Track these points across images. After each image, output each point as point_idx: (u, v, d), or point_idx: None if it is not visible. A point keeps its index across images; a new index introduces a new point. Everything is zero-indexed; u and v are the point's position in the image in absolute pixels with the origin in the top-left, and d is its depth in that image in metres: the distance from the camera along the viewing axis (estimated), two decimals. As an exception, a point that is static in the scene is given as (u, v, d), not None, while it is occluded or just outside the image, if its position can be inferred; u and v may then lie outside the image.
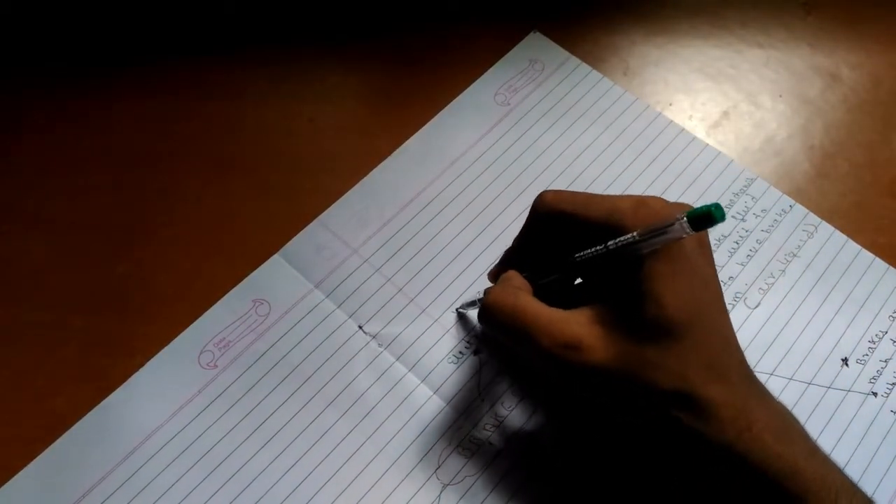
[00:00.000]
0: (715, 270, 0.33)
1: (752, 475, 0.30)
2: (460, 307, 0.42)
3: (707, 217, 0.28)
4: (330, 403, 0.39)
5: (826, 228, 0.46)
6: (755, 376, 0.32)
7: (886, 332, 0.43)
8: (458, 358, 0.41)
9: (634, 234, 0.31)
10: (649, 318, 0.30)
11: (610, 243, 0.32)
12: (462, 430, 0.39)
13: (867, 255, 0.45)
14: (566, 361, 0.32)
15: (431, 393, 0.40)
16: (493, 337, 0.41)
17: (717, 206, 0.28)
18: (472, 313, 0.42)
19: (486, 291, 0.37)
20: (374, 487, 0.38)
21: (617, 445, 0.39)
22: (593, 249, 0.33)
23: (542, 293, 0.35)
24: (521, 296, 0.34)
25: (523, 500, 0.38)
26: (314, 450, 0.38)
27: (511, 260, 0.39)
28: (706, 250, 0.33)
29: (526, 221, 0.37)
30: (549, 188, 0.45)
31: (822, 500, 0.29)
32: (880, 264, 0.45)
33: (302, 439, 0.38)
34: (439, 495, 0.38)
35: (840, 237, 0.46)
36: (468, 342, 0.41)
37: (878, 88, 0.53)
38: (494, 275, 0.39)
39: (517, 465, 0.38)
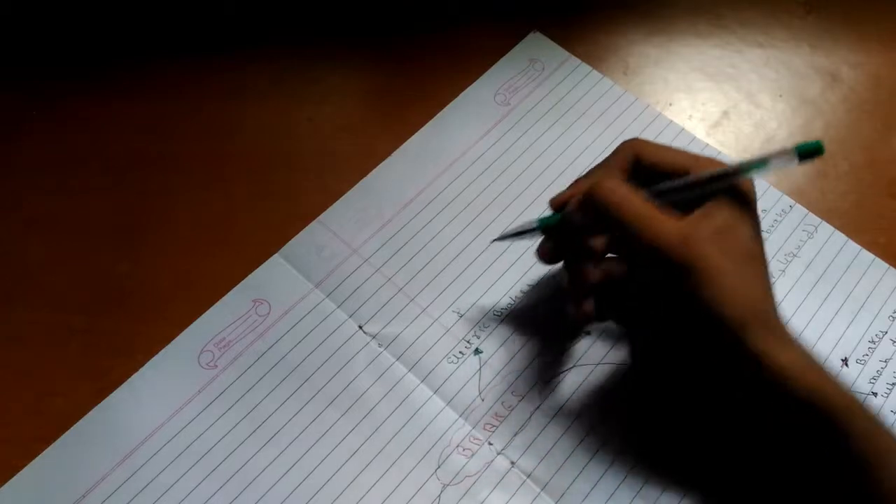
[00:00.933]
0: None
1: (800, 402, 0.31)
2: (507, 233, 0.40)
3: (816, 150, 0.32)
4: (330, 403, 0.39)
5: (826, 229, 0.46)
6: None
7: (886, 333, 0.43)
8: (458, 358, 0.41)
9: (738, 163, 0.33)
10: (745, 242, 0.33)
11: (710, 172, 0.34)
12: (462, 430, 0.39)
13: (867, 255, 0.45)
14: (678, 256, 0.32)
15: (431, 393, 0.40)
16: (580, 224, 0.37)
17: (819, 141, 0.32)
18: (508, 243, 0.43)
19: (542, 221, 0.38)
20: (374, 487, 0.38)
21: (617, 447, 0.39)
22: (681, 180, 0.35)
23: None
24: (629, 189, 0.34)
25: (523, 500, 0.38)
26: (314, 450, 0.38)
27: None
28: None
29: (606, 160, 0.37)
30: (558, 191, 0.44)
31: (864, 420, 0.31)
32: (880, 264, 0.45)
33: (302, 439, 0.38)
34: (439, 495, 0.38)
35: (840, 237, 0.46)
36: (468, 342, 0.41)
37: (878, 88, 0.53)
38: (559, 202, 0.38)
39: (517, 465, 0.38)
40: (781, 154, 0.33)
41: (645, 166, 0.36)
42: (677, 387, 0.39)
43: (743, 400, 0.34)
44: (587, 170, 0.38)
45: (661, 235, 0.32)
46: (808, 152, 0.32)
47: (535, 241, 0.39)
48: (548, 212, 0.38)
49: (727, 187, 0.34)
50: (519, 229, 0.40)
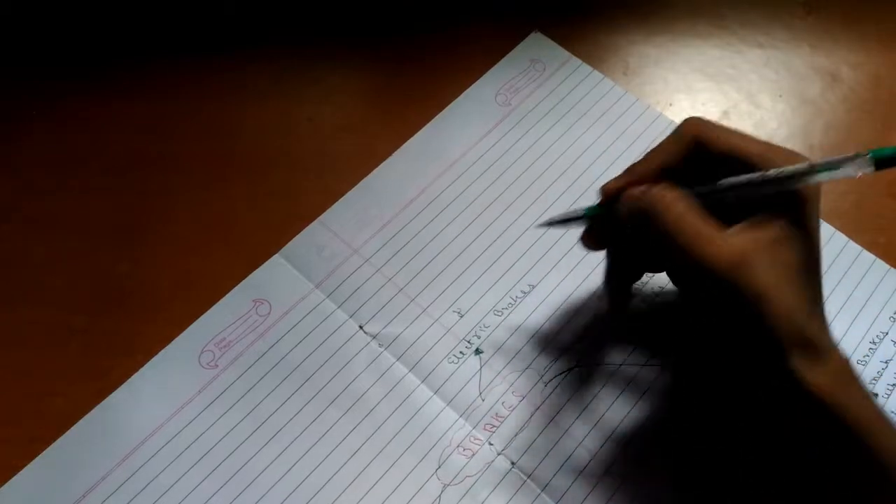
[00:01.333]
0: None
1: (850, 432, 0.30)
2: (551, 220, 0.39)
3: (894, 158, 0.28)
4: (330, 403, 0.39)
5: (826, 230, 0.46)
6: None
7: (887, 334, 0.43)
8: (458, 358, 0.41)
9: (809, 163, 0.30)
10: (802, 257, 0.31)
11: (772, 171, 0.31)
12: (462, 431, 0.39)
13: (868, 256, 0.45)
14: (727, 281, 0.30)
15: (432, 393, 0.40)
16: (628, 226, 0.35)
17: None
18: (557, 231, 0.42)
19: (590, 210, 0.36)
20: (375, 487, 0.37)
21: (619, 446, 0.39)
22: (751, 176, 0.32)
23: None
24: (687, 205, 0.32)
25: (523, 500, 0.38)
26: (314, 450, 0.38)
27: (643, 176, 0.35)
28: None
29: (665, 142, 0.35)
30: (559, 191, 0.45)
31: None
32: (881, 265, 0.45)
33: (302, 439, 0.38)
34: (439, 495, 0.38)
35: (841, 238, 0.46)
36: (469, 342, 0.41)
37: (878, 88, 0.53)
38: (613, 190, 0.35)
39: (517, 466, 0.38)
40: (855, 159, 0.30)
41: (708, 152, 0.33)
42: (700, 389, 0.39)
43: (772, 414, 0.33)
44: (644, 154, 0.36)
45: (712, 256, 0.30)
46: (886, 160, 0.29)
47: (535, 238, 0.39)
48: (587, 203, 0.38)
49: (791, 190, 0.32)
50: (565, 216, 0.39)
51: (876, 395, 0.41)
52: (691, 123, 0.34)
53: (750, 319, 0.31)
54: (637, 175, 0.35)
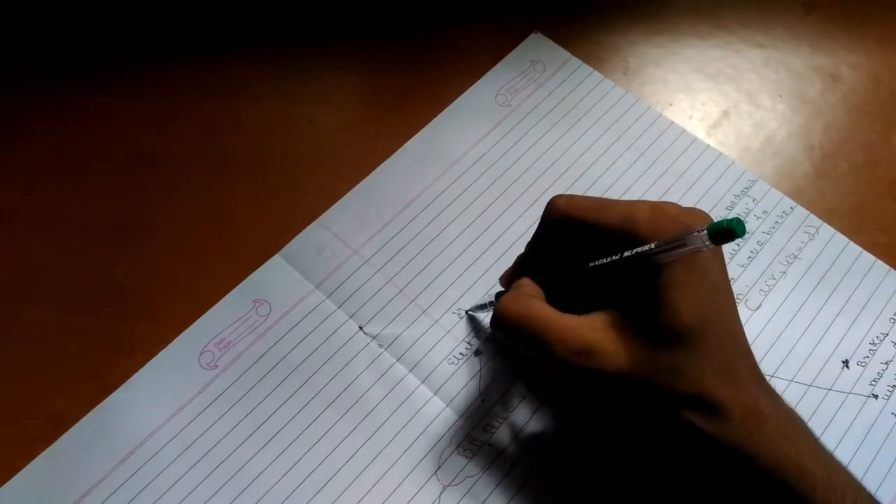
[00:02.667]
0: (727, 276, 0.33)
1: (761, 474, 0.30)
2: (470, 309, 0.42)
3: (728, 232, 0.27)
4: (330, 404, 0.39)
5: (827, 230, 0.46)
6: (765, 378, 0.33)
7: (887, 335, 0.43)
8: (458, 359, 0.41)
9: (652, 245, 0.31)
10: (665, 324, 0.31)
11: (626, 253, 0.32)
12: (462, 431, 0.39)
13: (868, 257, 0.45)
14: (580, 367, 0.32)
15: (432, 394, 0.40)
16: (505, 343, 0.41)
17: (737, 220, 0.27)
18: (481, 316, 0.42)
19: (498, 297, 0.37)
20: (374, 488, 0.38)
21: (620, 446, 0.39)
22: (608, 259, 0.32)
23: (554, 299, 0.35)
24: (534, 303, 0.34)
25: (523, 501, 0.38)
26: (314, 451, 0.38)
27: (524, 266, 0.39)
28: (719, 257, 0.33)
29: (538, 227, 0.37)
30: (559, 192, 0.44)
31: (829, 499, 0.30)
32: (881, 266, 0.45)
33: (302, 440, 0.38)
34: (439, 496, 0.38)
35: (841, 239, 0.46)
36: (469, 343, 0.41)
37: (878, 88, 0.53)
38: (507, 279, 0.39)
39: (517, 466, 0.38)
40: (696, 234, 0.29)
41: (577, 228, 0.34)
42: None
43: (711, 480, 0.33)
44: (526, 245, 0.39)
45: (569, 347, 0.32)
46: (719, 233, 0.28)
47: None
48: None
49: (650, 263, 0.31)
50: (478, 304, 0.42)
51: (876, 396, 0.41)
52: (553, 206, 0.35)
53: (622, 394, 0.32)
54: (518, 265, 0.39)
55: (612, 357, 0.31)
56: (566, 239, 0.35)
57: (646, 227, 0.31)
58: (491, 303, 0.40)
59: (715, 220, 0.29)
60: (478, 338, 0.42)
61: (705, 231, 0.28)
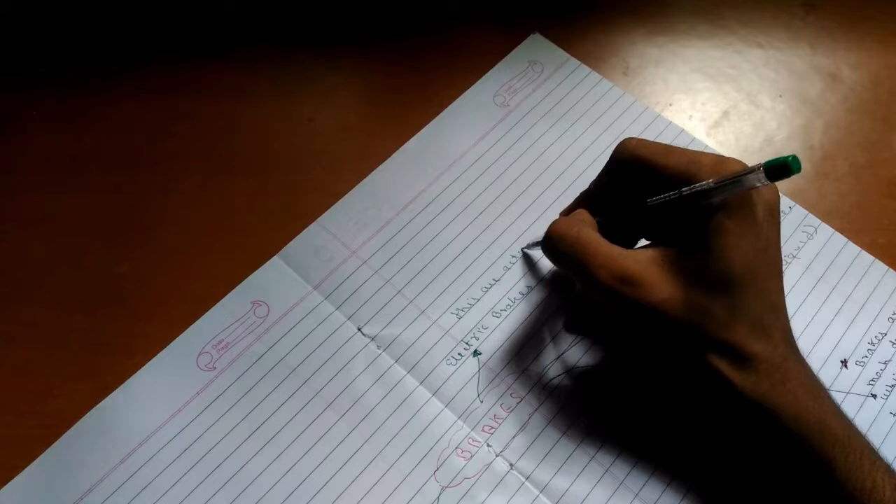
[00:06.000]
0: (779, 241, 0.34)
1: (783, 427, 0.32)
2: (526, 246, 0.44)
3: (784, 167, 0.28)
4: (329, 405, 0.39)
5: (826, 230, 0.46)
6: (796, 344, 0.34)
7: (886, 334, 0.43)
8: (456, 360, 0.41)
9: (710, 181, 0.32)
10: (711, 269, 0.32)
11: (684, 189, 0.33)
12: (461, 432, 0.39)
13: (867, 257, 0.45)
14: (620, 294, 0.33)
15: (430, 395, 0.40)
16: (554, 264, 0.40)
17: (794, 157, 0.28)
18: (537, 256, 0.44)
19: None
20: (373, 489, 0.38)
21: (616, 448, 0.39)
22: (667, 195, 0.34)
23: (609, 233, 0.36)
24: (584, 229, 0.35)
25: (522, 502, 0.38)
26: (313, 451, 0.38)
27: (585, 202, 0.40)
28: (775, 218, 0.34)
29: (605, 165, 0.38)
30: (557, 192, 0.46)
31: (848, 456, 0.31)
32: (880, 266, 0.45)
33: (301, 441, 0.38)
34: (438, 497, 0.38)
35: (840, 239, 0.46)
36: (467, 343, 0.42)
37: (878, 88, 0.52)
38: (567, 213, 0.40)
39: (516, 467, 0.39)
40: (752, 171, 0.30)
41: (643, 169, 0.35)
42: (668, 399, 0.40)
43: (736, 429, 0.35)
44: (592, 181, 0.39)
45: (613, 273, 0.33)
46: (776, 169, 0.29)
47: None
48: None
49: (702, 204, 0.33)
50: (534, 241, 0.43)
51: (874, 395, 0.41)
52: (623, 146, 0.36)
53: (656, 327, 0.33)
54: (579, 201, 0.40)
55: (653, 289, 0.32)
56: (631, 179, 0.36)
57: (709, 171, 0.33)
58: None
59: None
60: (476, 338, 0.42)
61: (762, 168, 0.29)
